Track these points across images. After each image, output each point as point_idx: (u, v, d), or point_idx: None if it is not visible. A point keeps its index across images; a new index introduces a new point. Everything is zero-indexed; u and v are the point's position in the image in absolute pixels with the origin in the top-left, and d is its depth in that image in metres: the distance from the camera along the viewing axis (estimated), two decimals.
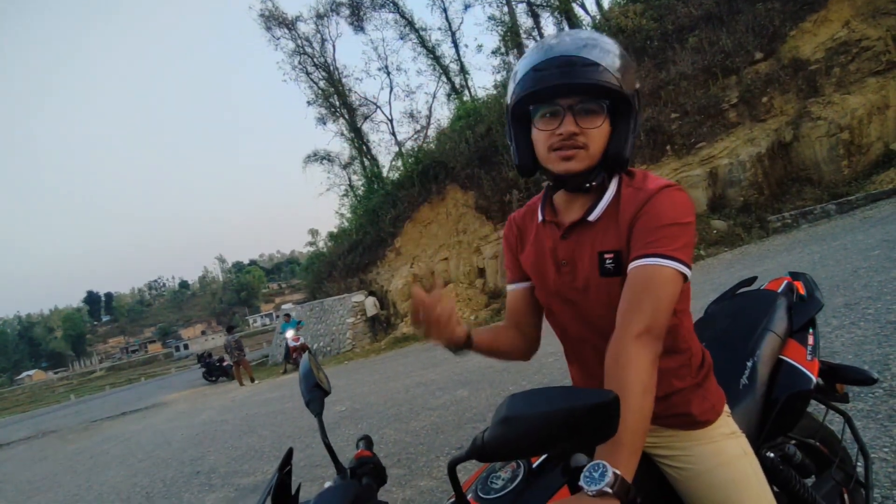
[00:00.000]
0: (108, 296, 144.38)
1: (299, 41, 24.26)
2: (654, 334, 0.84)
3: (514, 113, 1.00)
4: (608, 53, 0.92)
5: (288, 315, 17.15)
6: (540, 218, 1.10)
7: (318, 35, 24.21)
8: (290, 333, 15.55)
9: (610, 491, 0.68)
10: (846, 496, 1.41)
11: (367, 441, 1.15)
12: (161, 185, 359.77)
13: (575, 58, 0.89)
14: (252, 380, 14.54)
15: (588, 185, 0.98)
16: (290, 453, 1.02)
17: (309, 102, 25.11)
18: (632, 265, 0.90)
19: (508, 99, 1.01)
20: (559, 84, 0.90)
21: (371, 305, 15.77)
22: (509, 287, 1.22)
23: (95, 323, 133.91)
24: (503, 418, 0.65)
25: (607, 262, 0.96)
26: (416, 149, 20.45)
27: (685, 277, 0.89)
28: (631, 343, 0.83)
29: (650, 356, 0.83)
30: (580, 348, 1.09)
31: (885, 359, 3.06)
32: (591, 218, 0.99)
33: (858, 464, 1.53)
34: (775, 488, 1.21)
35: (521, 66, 0.96)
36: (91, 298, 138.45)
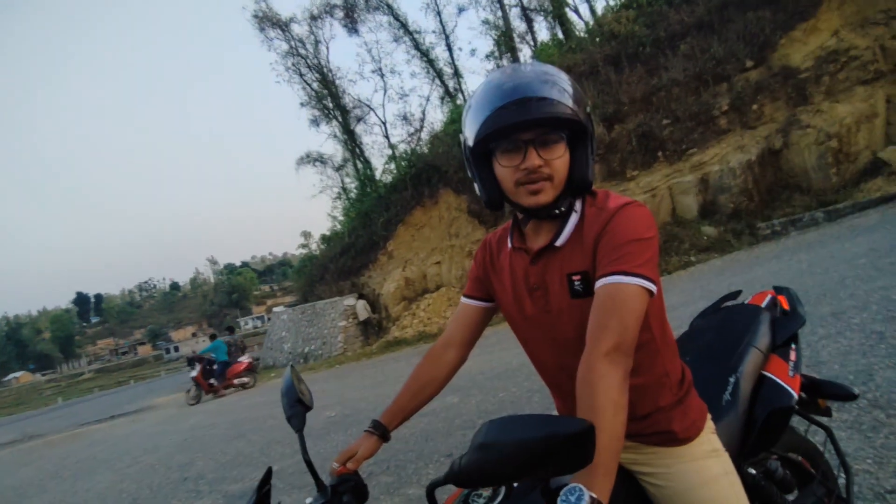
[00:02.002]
0: (98, 297, 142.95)
1: (293, 42, 24.13)
2: (623, 351, 0.85)
3: (474, 151, 1.02)
4: (559, 86, 0.95)
5: (214, 335, 15.49)
6: (509, 245, 1.13)
7: (312, 36, 24.08)
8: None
9: None
10: None
11: None
12: (152, 185, 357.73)
13: (528, 95, 0.92)
14: None
15: (557, 211, 1.01)
16: (269, 473, 1.01)
17: (302, 104, 25.01)
18: (598, 284, 0.91)
19: (466, 137, 1.02)
20: (518, 121, 0.92)
21: (362, 309, 15.71)
22: (466, 300, 1.25)
23: (85, 324, 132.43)
24: (479, 445, 0.66)
25: (576, 283, 0.98)
26: (409, 152, 20.43)
27: (651, 293, 0.90)
28: (600, 362, 0.83)
29: (620, 374, 0.83)
30: (559, 377, 1.10)
31: (870, 369, 3.08)
32: (559, 243, 1.01)
33: (841, 476, 1.54)
34: None
35: (476, 107, 0.98)
36: (80, 299, 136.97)
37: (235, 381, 13.30)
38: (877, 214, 8.76)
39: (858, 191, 10.16)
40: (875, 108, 10.78)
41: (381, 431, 1.15)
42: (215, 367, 13.23)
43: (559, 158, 0.96)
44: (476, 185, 1.08)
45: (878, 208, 9.14)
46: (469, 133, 1.00)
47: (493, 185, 1.04)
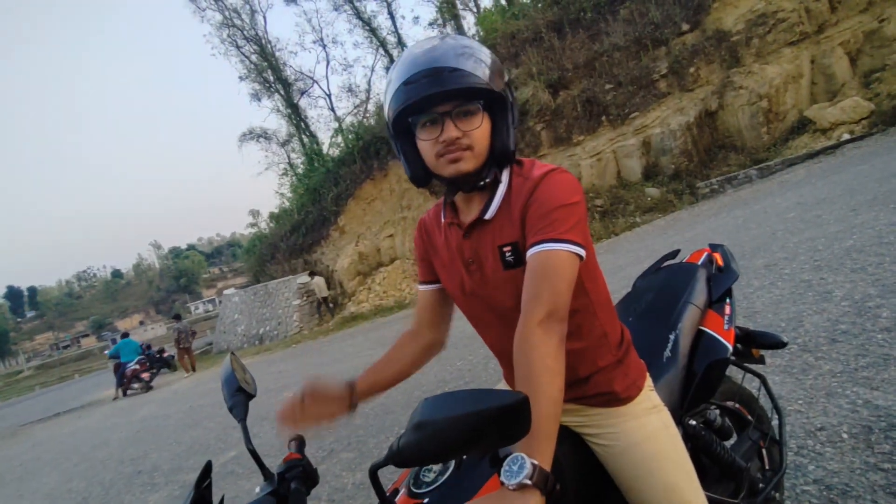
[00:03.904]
0: (32, 290, 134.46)
1: (227, 12, 22.99)
2: (557, 318, 0.86)
3: (395, 127, 1.01)
4: (474, 57, 0.94)
5: (126, 334, 15.26)
6: (443, 220, 1.12)
7: (248, 6, 23.03)
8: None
9: (529, 482, 0.70)
10: (763, 452, 1.52)
11: (299, 442, 1.12)
12: (85, 169, 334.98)
13: (440, 66, 0.91)
14: (193, 369, 14.07)
15: (482, 183, 1.01)
16: (208, 467, 0.96)
17: (241, 78, 24.06)
18: (528, 253, 0.92)
19: (387, 113, 1.00)
20: (431, 93, 0.91)
21: (322, 285, 15.39)
22: (421, 288, 1.25)
23: (19, 319, 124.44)
24: (416, 424, 0.65)
25: (507, 255, 0.99)
26: (356, 124, 19.94)
27: (580, 257, 0.92)
28: (534, 330, 0.84)
29: (555, 340, 0.85)
30: (503, 346, 1.10)
31: (799, 316, 3.30)
32: (488, 216, 1.01)
33: (775, 419, 1.64)
34: (699, 453, 1.28)
35: (392, 82, 0.97)
36: (12, 293, 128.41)
37: (129, 387, 12.81)
38: (803, 170, 9.30)
39: (787, 148, 10.74)
40: (801, 69, 11.32)
41: (351, 388, 1.13)
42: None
43: (478, 129, 0.96)
44: (402, 162, 1.06)
45: (805, 164, 9.71)
46: (388, 108, 0.98)
47: (417, 160, 1.02)
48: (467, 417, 0.62)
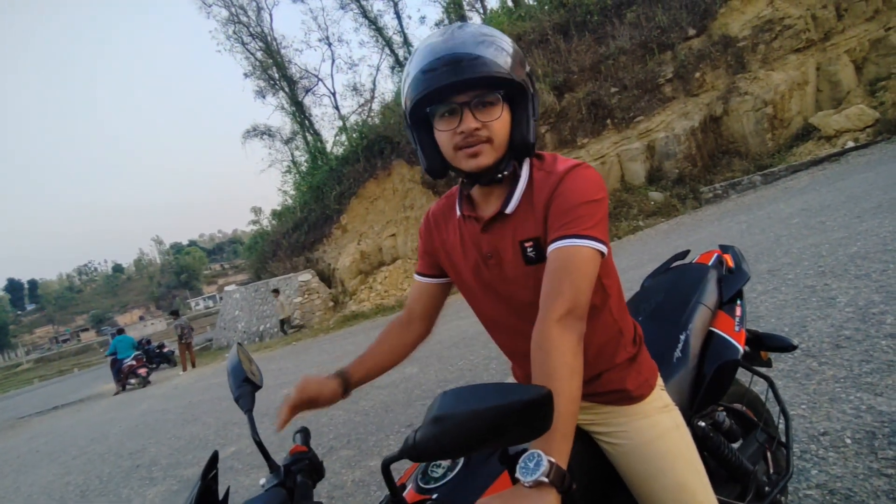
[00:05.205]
0: (32, 283, 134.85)
1: (233, 9, 22.99)
2: (577, 315, 0.85)
3: (412, 117, 0.98)
4: (495, 45, 0.91)
5: (121, 330, 15.43)
6: (458, 213, 1.09)
7: (254, 3, 23.03)
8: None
9: (546, 480, 0.69)
10: (769, 455, 1.51)
11: (304, 435, 1.11)
12: (88, 163, 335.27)
13: (460, 55, 0.88)
14: (193, 365, 14.08)
15: (500, 176, 0.98)
16: (215, 457, 0.96)
17: (246, 74, 24.04)
18: (550, 248, 0.90)
19: (404, 102, 0.98)
20: (450, 83, 0.88)
21: (286, 306, 14.86)
22: (419, 278, 1.22)
23: (19, 312, 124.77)
24: (434, 417, 0.64)
25: (528, 250, 0.97)
26: (360, 123, 19.96)
27: (602, 254, 0.91)
28: (553, 327, 0.83)
29: (574, 338, 0.83)
30: (517, 343, 1.09)
31: (803, 321, 3.29)
32: (509, 210, 0.99)
33: (781, 422, 1.63)
34: (706, 454, 1.27)
35: (409, 70, 0.94)
36: (13, 286, 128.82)
37: (126, 383, 12.95)
38: (808, 176, 9.29)
39: (791, 154, 10.73)
40: (806, 76, 11.32)
41: (344, 379, 1.12)
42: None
43: (497, 120, 0.93)
44: (418, 152, 1.04)
45: (809, 171, 9.70)
46: (406, 97, 0.95)
47: (434, 151, 1.00)
48: (488, 412, 0.61)
